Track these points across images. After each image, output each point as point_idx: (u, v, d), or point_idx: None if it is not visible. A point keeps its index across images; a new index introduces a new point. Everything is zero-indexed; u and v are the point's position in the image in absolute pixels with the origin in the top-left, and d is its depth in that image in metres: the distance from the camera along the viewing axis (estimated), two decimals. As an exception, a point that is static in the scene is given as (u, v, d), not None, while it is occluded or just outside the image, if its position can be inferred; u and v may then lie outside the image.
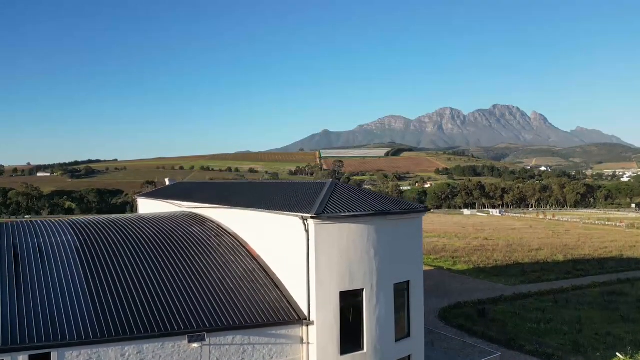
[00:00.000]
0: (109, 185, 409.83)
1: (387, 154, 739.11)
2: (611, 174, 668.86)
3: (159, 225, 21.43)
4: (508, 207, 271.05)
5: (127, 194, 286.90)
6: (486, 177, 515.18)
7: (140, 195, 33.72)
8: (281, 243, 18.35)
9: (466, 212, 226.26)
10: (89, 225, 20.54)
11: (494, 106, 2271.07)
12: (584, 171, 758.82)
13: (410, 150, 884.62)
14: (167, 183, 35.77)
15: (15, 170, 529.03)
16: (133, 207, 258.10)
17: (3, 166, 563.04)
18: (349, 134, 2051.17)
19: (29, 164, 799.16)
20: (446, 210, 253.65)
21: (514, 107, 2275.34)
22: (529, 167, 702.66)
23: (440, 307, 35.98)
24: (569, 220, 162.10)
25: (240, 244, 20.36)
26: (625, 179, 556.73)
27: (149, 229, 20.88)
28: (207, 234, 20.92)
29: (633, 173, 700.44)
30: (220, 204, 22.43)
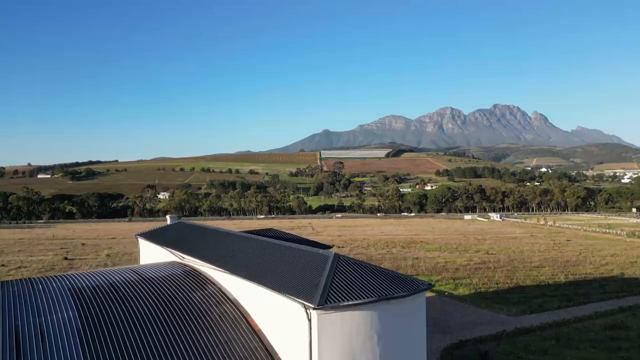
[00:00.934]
0: (109, 188, 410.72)
1: (387, 155, 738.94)
2: (612, 174, 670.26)
3: (160, 291, 21.31)
4: (509, 210, 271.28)
5: (127, 198, 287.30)
6: (487, 178, 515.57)
7: (141, 236, 33.57)
8: (283, 323, 18.16)
9: (467, 216, 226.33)
10: (89, 295, 20.39)
11: (495, 106, 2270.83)
12: (584, 172, 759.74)
13: (411, 151, 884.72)
14: (169, 221, 35.70)
15: (15, 171, 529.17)
16: (134, 212, 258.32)
17: (4, 168, 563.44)
18: (350, 134, 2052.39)
19: (29, 164, 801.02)
20: (446, 214, 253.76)
21: (514, 106, 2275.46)
22: (529, 169, 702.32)
23: (443, 346, 35.86)
24: (570, 227, 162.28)
25: (242, 314, 20.22)
26: (626, 180, 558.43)
27: (150, 296, 20.75)
28: (208, 301, 20.80)
29: (634, 174, 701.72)
30: (221, 267, 22.27)
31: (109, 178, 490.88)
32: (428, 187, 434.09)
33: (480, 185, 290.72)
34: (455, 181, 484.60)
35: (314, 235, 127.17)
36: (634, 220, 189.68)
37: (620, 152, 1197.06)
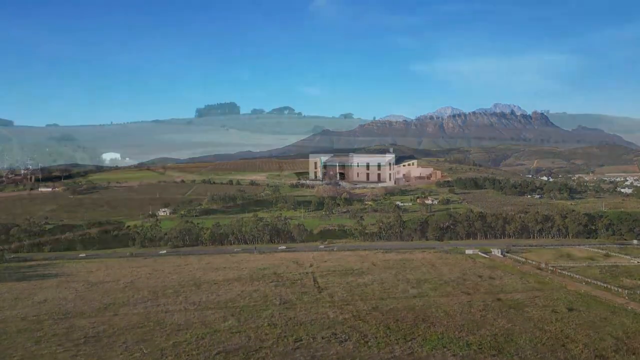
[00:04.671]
0: (109, 203, 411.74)
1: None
2: (612, 180, 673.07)
3: None
4: (510, 237, 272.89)
5: (128, 226, 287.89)
6: (487, 189, 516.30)
7: None
8: None
9: (468, 251, 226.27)
10: None
11: (495, 105, 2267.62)
12: (585, 177, 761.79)
13: (412, 157, 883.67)
14: None
15: (16, 184, 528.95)
16: (135, 242, 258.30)
17: (2, 176, 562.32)
18: (350, 134, 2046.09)
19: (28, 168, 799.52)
20: (447, 243, 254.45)
21: (515, 105, 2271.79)
22: (530, 177, 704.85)
23: None
24: (572, 275, 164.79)
25: None
26: (627, 190, 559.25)
27: None
28: None
29: (635, 179, 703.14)
30: None
31: (110, 192, 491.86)
32: (429, 202, 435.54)
33: (481, 212, 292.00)
34: (456, 193, 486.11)
35: (316, 301, 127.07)
36: (635, 262, 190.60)
37: (621, 153, 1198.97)
